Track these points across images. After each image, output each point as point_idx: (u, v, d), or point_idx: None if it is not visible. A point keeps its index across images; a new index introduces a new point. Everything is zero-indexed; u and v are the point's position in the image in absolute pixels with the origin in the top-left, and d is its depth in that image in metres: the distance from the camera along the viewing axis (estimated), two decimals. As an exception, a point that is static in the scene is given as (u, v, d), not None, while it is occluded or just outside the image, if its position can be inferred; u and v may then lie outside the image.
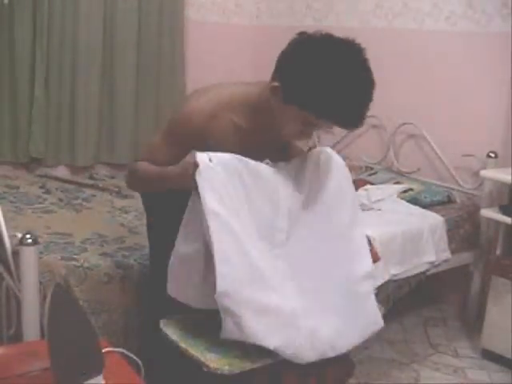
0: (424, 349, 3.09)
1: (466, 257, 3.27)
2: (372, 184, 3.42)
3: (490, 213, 3.00)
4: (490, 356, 2.98)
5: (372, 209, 3.13)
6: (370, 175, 3.58)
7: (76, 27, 3.77)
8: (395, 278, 2.83)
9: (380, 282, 2.75)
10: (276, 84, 1.69)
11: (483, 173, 3.05)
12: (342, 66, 1.60)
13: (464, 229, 3.22)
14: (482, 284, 3.30)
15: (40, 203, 3.13)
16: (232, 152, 1.82)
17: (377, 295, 2.66)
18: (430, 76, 3.54)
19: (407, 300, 3.14)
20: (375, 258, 2.74)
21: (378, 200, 3.21)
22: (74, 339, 1.41)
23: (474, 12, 3.31)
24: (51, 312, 1.42)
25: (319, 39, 1.66)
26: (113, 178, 3.83)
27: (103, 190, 3.46)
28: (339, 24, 4.01)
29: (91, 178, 3.78)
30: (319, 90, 1.60)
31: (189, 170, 1.70)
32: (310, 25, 4.16)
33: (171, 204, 1.88)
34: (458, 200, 3.38)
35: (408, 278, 2.92)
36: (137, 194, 3.33)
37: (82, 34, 3.79)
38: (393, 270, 2.82)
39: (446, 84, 3.48)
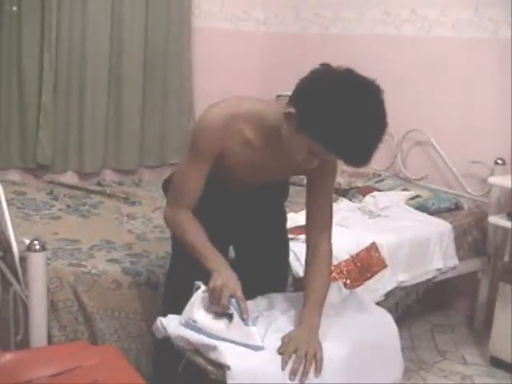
0: (432, 356, 3.08)
1: (473, 264, 3.26)
2: (379, 191, 3.41)
3: (497, 219, 2.98)
4: (498, 363, 2.96)
5: (379, 216, 3.13)
6: (378, 182, 3.58)
7: (84, 35, 3.79)
8: (403, 285, 2.83)
9: (387, 289, 2.74)
10: (291, 110, 1.68)
11: (491, 179, 3.04)
12: (358, 105, 1.60)
13: (472, 236, 3.21)
14: (489, 291, 3.29)
15: (48, 209, 3.14)
16: (241, 166, 1.88)
17: (385, 302, 2.67)
18: (438, 82, 3.54)
19: (415, 307, 3.13)
20: (382, 265, 2.74)
21: (386, 207, 3.20)
22: None
23: (481, 19, 3.31)
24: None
25: (340, 74, 1.66)
26: (120, 184, 3.83)
27: (111, 196, 3.46)
28: (347, 31, 4.01)
29: (99, 184, 3.78)
30: (332, 123, 1.60)
31: (221, 293, 1.76)
32: (318, 32, 4.17)
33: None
34: (465, 207, 3.38)
35: (415, 285, 2.91)
36: (144, 201, 3.37)
37: (90, 41, 3.81)
38: (400, 277, 2.81)
39: (454, 90, 3.47)
